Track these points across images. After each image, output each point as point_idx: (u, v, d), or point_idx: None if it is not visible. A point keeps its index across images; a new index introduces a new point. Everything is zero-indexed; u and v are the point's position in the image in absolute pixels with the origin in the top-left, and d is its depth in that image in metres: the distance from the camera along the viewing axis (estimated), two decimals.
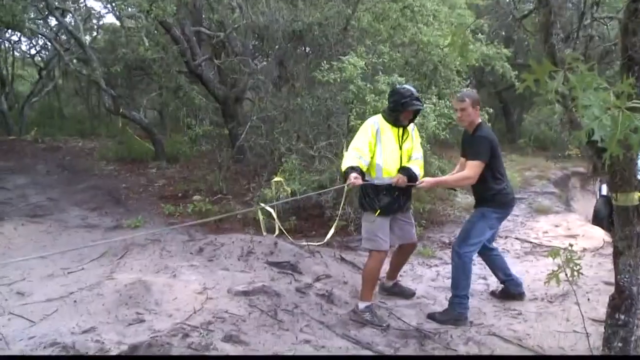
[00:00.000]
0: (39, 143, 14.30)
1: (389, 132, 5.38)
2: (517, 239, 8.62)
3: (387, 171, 5.37)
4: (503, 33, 19.08)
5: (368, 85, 7.42)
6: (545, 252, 7.98)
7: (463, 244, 5.62)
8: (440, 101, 7.82)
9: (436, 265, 7.22)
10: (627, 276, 3.31)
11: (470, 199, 10.49)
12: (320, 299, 5.55)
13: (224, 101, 11.25)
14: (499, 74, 11.62)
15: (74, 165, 12.07)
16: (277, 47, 11.45)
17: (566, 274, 3.67)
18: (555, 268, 7.17)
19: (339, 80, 7.36)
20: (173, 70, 10.21)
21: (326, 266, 6.39)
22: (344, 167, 5.23)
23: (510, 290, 6.16)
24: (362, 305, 5.38)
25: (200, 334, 4.40)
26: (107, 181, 10.71)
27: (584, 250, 7.92)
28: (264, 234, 7.43)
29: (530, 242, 8.41)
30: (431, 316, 5.60)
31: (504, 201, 5.72)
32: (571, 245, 3.67)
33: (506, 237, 8.67)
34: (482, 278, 6.79)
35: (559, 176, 14.87)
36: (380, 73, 7.61)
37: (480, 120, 5.61)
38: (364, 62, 7.43)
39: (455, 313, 5.56)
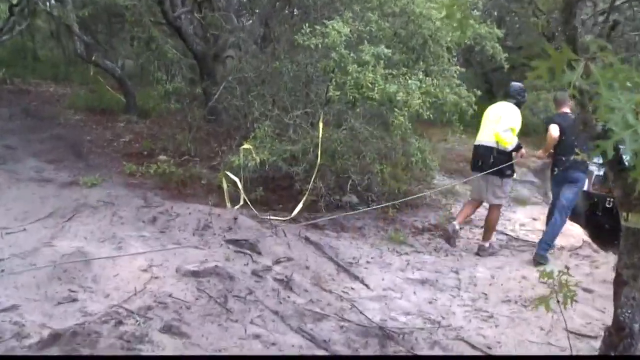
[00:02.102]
0: (7, 84, 13.39)
1: None
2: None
3: None
4: (495, 13, 18.39)
5: (351, 55, 6.75)
6: (521, 247, 7.51)
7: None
8: (427, 78, 7.18)
9: (406, 254, 6.68)
10: (629, 311, 2.76)
11: (447, 181, 9.98)
12: (277, 285, 4.99)
13: (202, 58, 10.49)
14: (489, 54, 10.98)
15: (40, 111, 11.26)
16: (262, 5, 10.71)
17: (558, 300, 3.09)
18: (533, 269, 6.75)
19: (320, 46, 6.67)
20: (146, 20, 9.39)
21: (289, 247, 5.81)
22: (516, 144, 6.83)
23: None
24: (487, 244, 7.04)
25: (137, 321, 3.82)
26: (71, 132, 9.94)
27: (562, 248, 7.45)
28: (227, 205, 6.82)
29: (507, 235, 7.91)
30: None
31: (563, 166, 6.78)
32: (567, 268, 3.09)
33: (482, 228, 8.13)
34: (453, 272, 6.27)
35: (539, 164, 14.38)
36: (366, 43, 6.92)
37: (564, 110, 6.90)
38: (349, 29, 6.74)
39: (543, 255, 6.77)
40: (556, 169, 6.89)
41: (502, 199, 7.14)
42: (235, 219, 5.89)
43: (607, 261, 6.82)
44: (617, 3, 6.78)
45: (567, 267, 3.16)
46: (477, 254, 6.98)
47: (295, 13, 10.55)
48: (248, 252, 5.36)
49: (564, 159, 6.63)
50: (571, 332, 4.95)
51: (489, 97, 20.33)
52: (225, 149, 8.88)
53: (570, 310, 5.41)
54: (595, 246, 7.71)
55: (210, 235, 5.54)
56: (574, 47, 2.53)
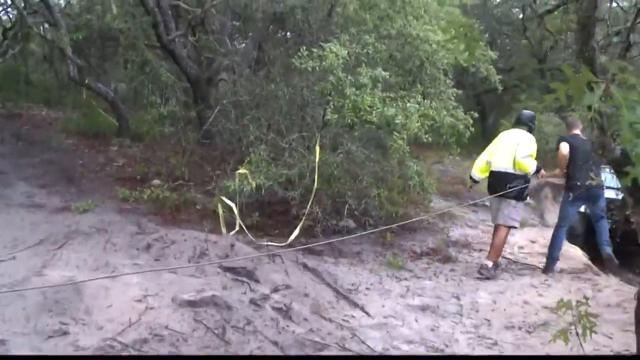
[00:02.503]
0: None
1: None
2: None
3: None
4: (487, 35, 18.42)
5: (349, 78, 6.65)
6: (521, 270, 7.37)
7: (558, 222, 7.43)
8: (425, 101, 7.09)
9: (406, 279, 6.52)
10: None
11: (443, 204, 9.86)
12: (276, 314, 4.81)
13: (196, 81, 10.38)
14: (483, 76, 10.95)
15: (32, 135, 11.06)
16: (256, 28, 10.63)
17: (577, 332, 2.94)
18: (535, 293, 6.62)
19: (317, 68, 6.57)
20: (140, 43, 9.27)
21: (286, 274, 5.63)
22: (536, 167, 7.03)
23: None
24: (490, 263, 6.97)
25: (132, 355, 3.63)
26: (63, 156, 9.74)
27: (562, 271, 7.31)
28: (223, 231, 6.65)
29: (506, 258, 7.75)
30: None
31: (575, 188, 7.09)
32: (587, 299, 2.95)
33: (480, 251, 8.00)
34: (454, 297, 6.11)
35: (533, 185, 14.29)
36: (364, 65, 6.83)
37: (574, 131, 7.39)
38: (346, 52, 6.65)
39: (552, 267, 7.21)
40: (571, 193, 7.15)
41: (516, 222, 7.18)
42: (232, 245, 5.72)
43: (609, 284, 6.69)
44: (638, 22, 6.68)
45: (586, 298, 3.00)
46: (479, 272, 6.89)
47: (289, 36, 10.50)
48: (245, 280, 5.19)
49: (576, 182, 6.99)
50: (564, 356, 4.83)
51: (482, 118, 20.39)
52: (219, 173, 8.72)
53: (576, 336, 5.29)
54: (595, 269, 7.59)
55: (207, 262, 5.37)
56: (592, 68, 2.41)
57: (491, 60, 10.28)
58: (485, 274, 6.85)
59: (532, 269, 7.37)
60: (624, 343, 5.06)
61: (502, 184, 6.90)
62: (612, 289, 6.47)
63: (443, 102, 7.93)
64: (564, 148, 7.05)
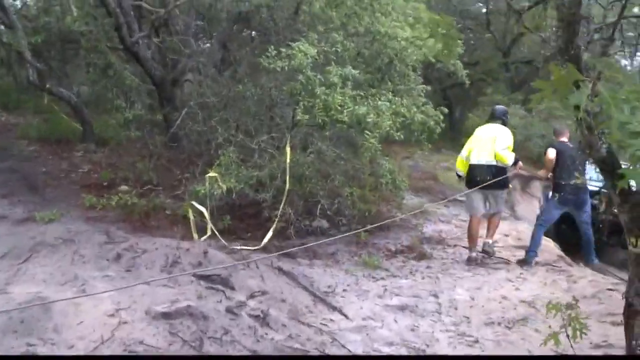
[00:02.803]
0: None
1: None
2: (465, 247, 7.93)
3: None
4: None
5: (318, 77, 6.54)
6: (496, 265, 7.35)
7: (539, 218, 7.93)
8: (395, 98, 7.02)
9: (383, 279, 6.44)
10: None
11: (415, 200, 9.82)
12: (254, 321, 4.68)
13: (161, 83, 10.15)
14: (450, 71, 10.96)
15: None
16: (221, 28, 10.44)
17: (567, 335, 2.88)
18: (513, 280, 6.60)
19: (286, 68, 6.44)
20: (102, 46, 8.99)
21: (262, 279, 5.50)
22: (514, 159, 7.21)
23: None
24: (491, 240, 7.50)
25: None
26: (25, 164, 9.39)
27: (536, 263, 7.32)
28: (194, 236, 6.49)
29: (480, 253, 7.73)
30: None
31: (561, 190, 7.53)
32: (576, 300, 2.89)
33: (454, 246, 7.98)
34: (432, 295, 6.05)
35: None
36: (333, 64, 6.72)
37: (561, 139, 7.75)
38: (315, 51, 6.53)
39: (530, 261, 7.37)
40: (557, 193, 7.58)
41: (503, 206, 7.88)
42: (205, 253, 5.55)
43: (584, 275, 6.72)
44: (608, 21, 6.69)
45: (575, 299, 2.94)
46: (484, 250, 7.42)
47: (254, 35, 10.35)
48: (220, 287, 5.04)
49: (562, 182, 7.41)
50: (560, 354, 4.81)
51: (448, 112, 20.47)
52: (188, 176, 8.53)
53: (556, 329, 5.27)
54: (568, 260, 7.63)
55: (180, 271, 5.20)
56: (577, 66, 2.34)
57: (458, 55, 10.27)
58: (490, 251, 7.42)
59: (507, 263, 7.37)
60: (602, 334, 5.05)
61: (484, 176, 7.09)
62: (586, 279, 6.50)
63: (413, 99, 7.88)
64: (551, 153, 7.45)
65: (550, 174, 7.62)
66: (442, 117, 8.14)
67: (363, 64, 7.97)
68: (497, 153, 7.12)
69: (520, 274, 6.88)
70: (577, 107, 2.25)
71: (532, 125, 16.28)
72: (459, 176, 7.78)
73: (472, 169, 7.33)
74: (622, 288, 6.10)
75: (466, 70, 10.97)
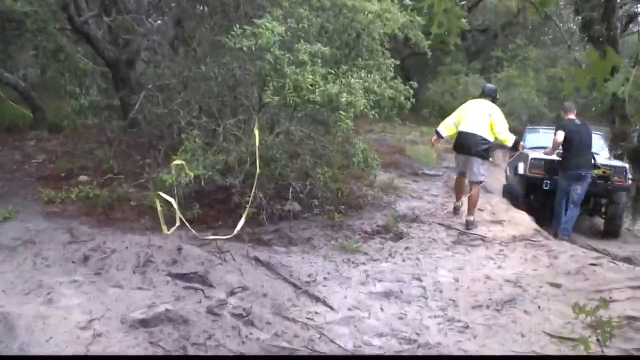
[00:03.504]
0: None
1: None
2: (440, 224, 7.74)
3: None
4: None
5: (287, 55, 6.15)
6: (473, 242, 7.18)
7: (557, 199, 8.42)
8: (368, 75, 6.69)
9: (363, 264, 6.18)
10: None
11: (383, 176, 9.56)
12: (237, 321, 4.39)
13: (115, 64, 9.59)
14: (412, 42, 10.64)
15: None
16: (174, 4, 9.89)
17: (598, 340, 2.64)
18: (493, 257, 6.44)
19: (253, 47, 6.02)
20: (50, 27, 8.35)
21: (241, 273, 5.18)
22: (514, 140, 7.88)
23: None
24: (471, 218, 7.71)
25: None
26: None
27: (514, 238, 7.18)
28: (164, 228, 6.07)
29: (456, 230, 7.55)
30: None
31: (568, 168, 8.19)
32: (604, 301, 2.66)
33: (430, 223, 7.77)
34: (415, 279, 5.83)
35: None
36: (302, 41, 6.33)
37: (569, 116, 8.31)
38: (282, 27, 6.12)
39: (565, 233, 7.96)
40: (563, 171, 8.27)
41: (484, 177, 7.99)
42: (180, 249, 5.17)
43: (564, 249, 6.60)
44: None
45: (604, 300, 2.70)
46: (467, 228, 7.62)
47: (212, 12, 9.82)
48: (199, 286, 4.71)
49: (570, 159, 8.10)
50: (552, 335, 4.66)
51: (405, 83, 20.27)
52: (150, 162, 8.09)
53: (545, 310, 5.12)
54: (545, 233, 7.52)
55: (154, 271, 4.82)
56: (615, 49, 2.06)
57: (420, 26, 9.97)
58: (471, 227, 7.62)
59: (482, 240, 7.20)
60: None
61: (470, 144, 7.69)
62: (567, 254, 6.37)
63: (382, 73, 7.57)
64: (560, 136, 8.02)
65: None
66: (412, 91, 7.85)
67: (329, 39, 7.60)
68: (499, 137, 7.79)
69: (500, 250, 6.73)
70: (613, 95, 1.94)
71: None
72: (439, 135, 8.25)
73: (460, 135, 7.90)
74: (605, 262, 6.04)
75: (428, 41, 10.69)
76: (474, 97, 9.31)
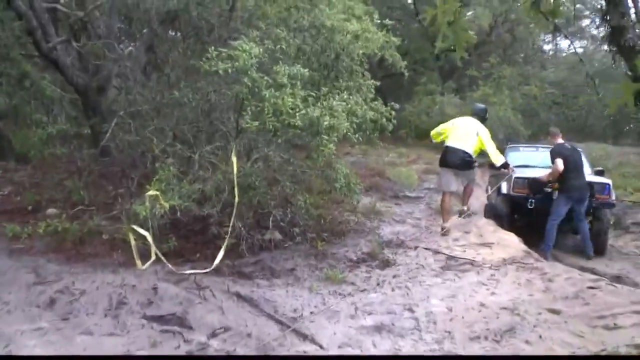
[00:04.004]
0: None
1: None
2: (427, 249, 7.42)
3: None
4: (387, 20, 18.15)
5: (265, 78, 5.81)
6: (462, 266, 6.86)
7: (550, 218, 8.40)
8: (350, 97, 6.38)
9: (350, 295, 5.80)
10: None
11: (365, 200, 9.21)
12: None
13: (85, 91, 9.14)
14: (388, 63, 10.41)
15: None
16: (146, 30, 9.51)
17: None
18: (485, 283, 6.11)
19: (230, 70, 5.67)
20: (14, 53, 7.91)
21: (222, 312, 4.78)
22: (503, 161, 8.39)
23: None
24: (466, 207, 8.81)
25: None
26: None
27: (504, 261, 6.87)
28: (138, 263, 5.64)
29: (444, 254, 7.23)
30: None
31: (571, 189, 8.38)
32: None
33: (416, 248, 7.45)
34: (407, 310, 5.47)
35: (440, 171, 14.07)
36: (280, 63, 6.00)
37: (557, 141, 8.66)
38: (259, 49, 5.79)
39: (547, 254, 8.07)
40: (564, 192, 8.40)
41: (475, 180, 8.81)
42: (155, 288, 4.75)
43: (559, 272, 6.30)
44: None
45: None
46: (461, 216, 8.48)
47: (185, 36, 9.47)
48: (177, 329, 4.30)
49: (569, 182, 8.32)
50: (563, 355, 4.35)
51: (385, 104, 20.11)
52: (122, 192, 7.64)
53: (547, 339, 4.78)
54: (535, 255, 7.23)
55: (128, 314, 4.39)
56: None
57: (395, 46, 9.76)
58: (465, 215, 8.54)
59: (473, 264, 6.88)
60: (598, 342, 4.59)
61: (456, 159, 8.15)
62: (562, 277, 6.07)
63: (362, 95, 7.28)
64: (560, 165, 8.18)
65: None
66: (393, 113, 7.57)
67: (307, 61, 7.30)
68: (491, 159, 8.30)
69: (492, 275, 6.41)
70: None
71: (468, 113, 16.09)
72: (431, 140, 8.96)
73: (447, 150, 8.28)
74: (604, 285, 5.74)
75: (404, 62, 10.51)
76: (451, 117, 9.85)
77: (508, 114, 15.59)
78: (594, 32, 22.68)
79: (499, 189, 9.45)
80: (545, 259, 7.59)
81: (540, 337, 4.78)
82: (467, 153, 8.12)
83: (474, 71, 17.85)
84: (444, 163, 8.37)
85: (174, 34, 10.09)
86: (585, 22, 23.84)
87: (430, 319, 5.28)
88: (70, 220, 6.86)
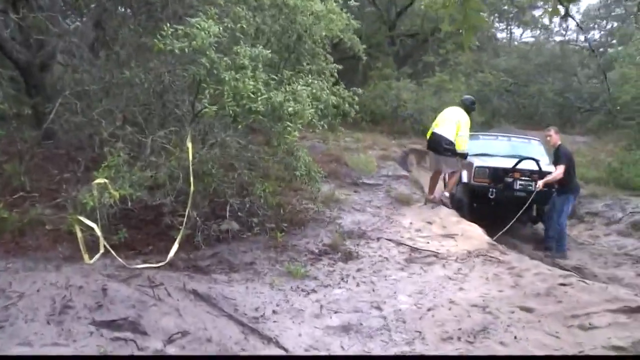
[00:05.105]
0: None
1: None
2: (390, 240, 7.13)
3: None
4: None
5: (225, 59, 5.35)
6: (427, 259, 6.60)
7: (561, 219, 8.47)
8: (315, 81, 5.98)
9: (314, 291, 5.44)
10: None
11: (326, 189, 8.85)
12: None
13: (26, 68, 8.43)
14: (346, 46, 10.06)
15: None
16: (93, 3, 8.87)
17: None
18: (452, 277, 5.87)
19: (186, 50, 5.18)
20: None
21: (179, 314, 4.34)
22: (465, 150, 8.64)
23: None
24: (447, 193, 8.99)
25: None
26: None
27: (469, 254, 6.65)
28: (86, 259, 5.15)
29: (407, 245, 6.95)
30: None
31: (575, 188, 8.72)
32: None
33: (378, 239, 7.15)
34: (374, 307, 5.16)
35: (399, 154, 13.86)
36: (242, 43, 5.54)
37: (560, 142, 8.64)
38: (219, 28, 5.31)
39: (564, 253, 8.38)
40: (573, 195, 8.66)
41: (457, 166, 8.83)
42: (105, 289, 4.26)
43: (527, 267, 6.08)
44: None
45: None
46: (442, 203, 8.77)
47: (136, 12, 8.86)
48: (130, 335, 3.83)
49: (575, 179, 8.65)
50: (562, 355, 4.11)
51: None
52: (69, 177, 7.06)
53: (522, 340, 4.53)
54: (500, 247, 7.01)
55: (73, 320, 3.89)
56: None
57: (354, 30, 9.41)
58: (445, 201, 8.82)
59: (438, 256, 6.63)
60: (574, 343, 4.37)
61: (438, 145, 8.64)
62: (531, 272, 5.86)
63: (326, 79, 6.89)
64: (562, 170, 8.26)
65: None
66: (356, 98, 7.22)
67: (267, 42, 6.86)
68: (457, 138, 8.54)
69: (459, 269, 6.17)
70: None
71: (423, 99, 15.90)
72: None
73: (433, 135, 8.80)
74: (575, 282, 5.55)
75: (363, 45, 10.21)
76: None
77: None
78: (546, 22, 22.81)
79: (459, 177, 9.26)
80: (565, 258, 8.14)
81: (515, 337, 4.53)
82: (447, 140, 8.49)
83: (430, 57, 17.66)
84: (429, 147, 8.96)
85: (123, 10, 9.45)
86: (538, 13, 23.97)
87: (399, 317, 4.98)
88: (9, 209, 6.21)
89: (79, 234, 5.34)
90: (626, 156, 14.00)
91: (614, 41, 26.50)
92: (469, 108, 8.95)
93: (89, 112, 7.06)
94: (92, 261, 5.21)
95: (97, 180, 5.48)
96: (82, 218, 5.31)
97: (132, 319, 3.99)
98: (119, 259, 5.23)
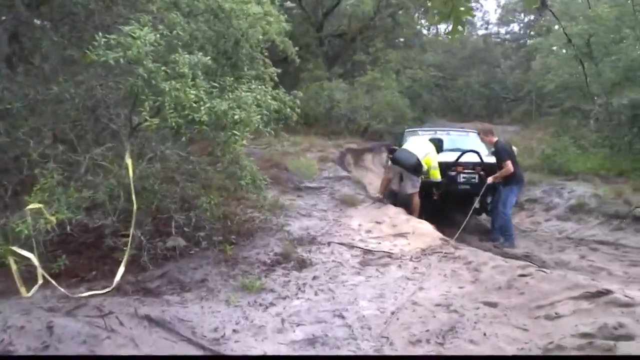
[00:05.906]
0: None
1: None
2: (341, 244, 6.98)
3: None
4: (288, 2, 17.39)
5: (163, 68, 5.04)
6: (381, 260, 6.48)
7: (506, 210, 8.65)
8: (259, 87, 5.74)
9: (273, 305, 5.20)
10: None
11: (270, 196, 8.61)
12: None
13: None
14: (279, 49, 9.90)
15: None
16: (8, 16, 8.29)
17: None
18: (410, 277, 5.76)
19: (122, 60, 4.84)
20: None
21: (135, 344, 4.02)
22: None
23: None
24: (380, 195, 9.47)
25: None
26: None
27: (423, 252, 6.57)
28: (23, 292, 4.73)
29: (359, 248, 6.82)
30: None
31: (519, 179, 8.84)
32: None
33: (329, 244, 6.98)
34: (337, 316, 4.98)
35: (337, 155, 13.77)
36: (180, 50, 5.24)
37: (496, 139, 8.84)
38: (155, 35, 5.00)
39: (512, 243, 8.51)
40: (518, 186, 8.86)
41: (417, 188, 8.90)
42: (50, 327, 3.87)
43: (483, 260, 6.04)
44: None
45: None
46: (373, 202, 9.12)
47: (57, 23, 8.35)
48: None
49: (519, 170, 8.83)
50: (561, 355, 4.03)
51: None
52: None
53: (492, 336, 4.45)
54: (452, 241, 6.97)
55: None
56: None
57: (286, 32, 9.24)
58: (378, 202, 9.12)
59: (391, 256, 6.53)
60: (543, 334, 4.32)
61: (410, 161, 8.73)
62: (488, 266, 5.82)
63: (266, 84, 6.67)
64: (511, 166, 8.43)
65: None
66: (297, 102, 7.04)
67: (201, 48, 6.56)
68: (431, 171, 8.98)
69: (415, 268, 6.09)
70: None
71: (356, 98, 15.86)
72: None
73: (404, 151, 9.01)
74: (534, 272, 5.53)
75: (296, 47, 10.06)
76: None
77: (396, 98, 15.53)
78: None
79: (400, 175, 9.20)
80: (513, 247, 8.28)
81: (485, 334, 4.46)
82: (419, 161, 8.74)
83: (361, 56, 17.66)
84: (397, 161, 8.96)
85: (40, 22, 8.91)
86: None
87: (363, 324, 4.82)
88: None
89: (14, 266, 4.91)
90: (556, 143, 14.42)
91: (532, 32, 27.40)
92: (438, 147, 9.27)
93: (14, 132, 6.56)
94: (30, 294, 4.81)
95: (31, 206, 5.07)
96: (15, 248, 4.89)
97: (84, 356, 3.65)
98: (61, 289, 4.84)
